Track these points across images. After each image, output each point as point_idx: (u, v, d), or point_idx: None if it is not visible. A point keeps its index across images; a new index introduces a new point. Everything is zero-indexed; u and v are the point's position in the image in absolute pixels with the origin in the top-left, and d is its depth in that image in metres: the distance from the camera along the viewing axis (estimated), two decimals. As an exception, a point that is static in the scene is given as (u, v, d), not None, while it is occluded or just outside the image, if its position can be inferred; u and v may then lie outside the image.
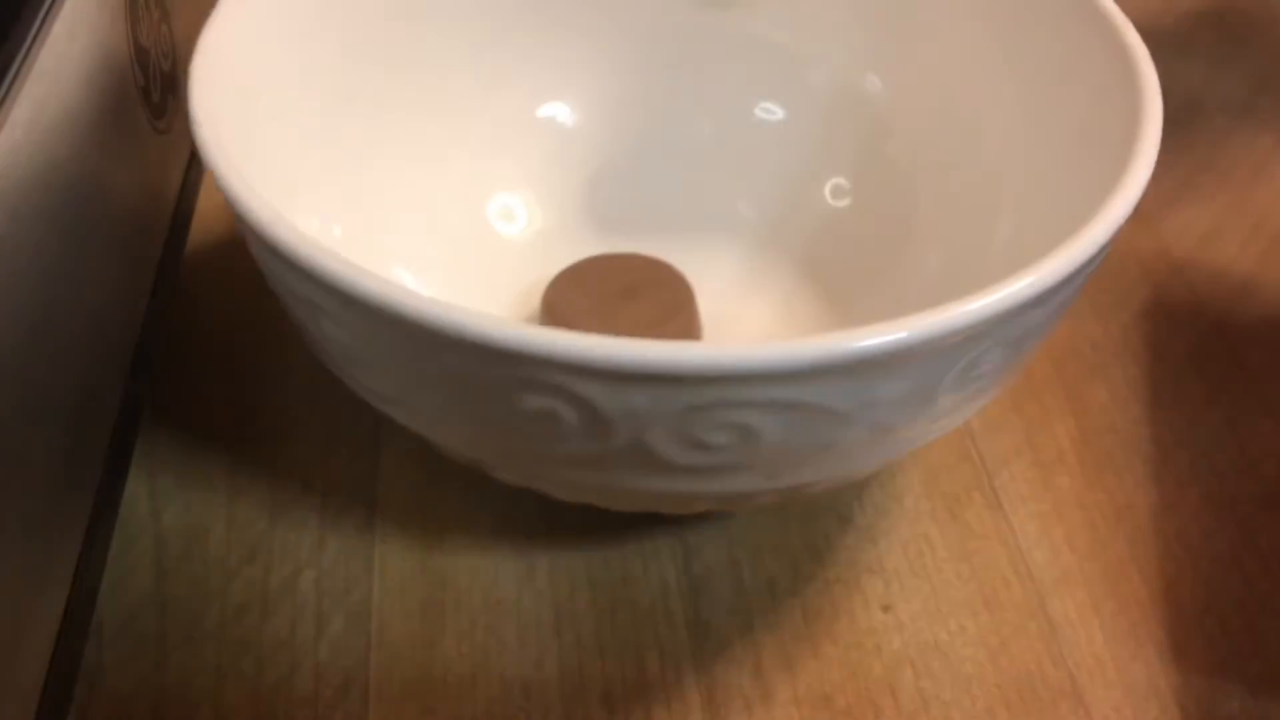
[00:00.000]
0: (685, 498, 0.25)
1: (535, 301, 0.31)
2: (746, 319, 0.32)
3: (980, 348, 0.22)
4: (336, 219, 0.29)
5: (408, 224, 0.31)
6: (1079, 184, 0.25)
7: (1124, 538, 0.29)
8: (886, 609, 0.27)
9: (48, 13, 0.24)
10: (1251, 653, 0.27)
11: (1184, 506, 0.29)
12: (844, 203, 0.33)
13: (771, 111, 0.34)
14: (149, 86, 0.31)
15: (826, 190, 0.33)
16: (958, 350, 0.21)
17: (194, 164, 0.35)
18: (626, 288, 0.31)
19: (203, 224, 0.35)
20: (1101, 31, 0.26)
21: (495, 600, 0.27)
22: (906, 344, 0.20)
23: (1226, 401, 0.32)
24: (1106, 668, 0.26)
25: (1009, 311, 0.21)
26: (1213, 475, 0.30)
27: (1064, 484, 0.30)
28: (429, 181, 0.32)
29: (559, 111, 0.34)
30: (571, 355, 0.20)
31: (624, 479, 0.23)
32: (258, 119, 0.27)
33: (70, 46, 0.25)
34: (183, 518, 0.28)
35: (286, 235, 0.22)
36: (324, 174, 0.29)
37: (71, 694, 0.25)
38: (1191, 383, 0.32)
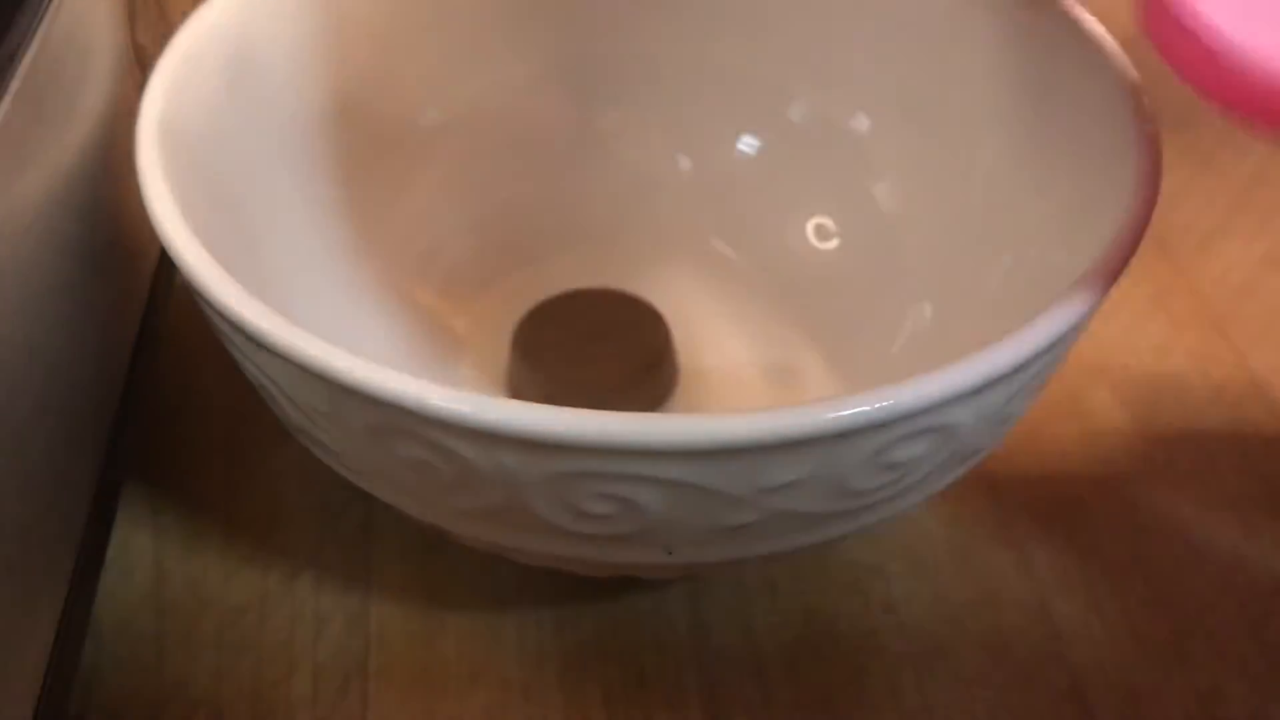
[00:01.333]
0: (596, 565, 0.24)
1: (506, 337, 0.31)
2: (726, 360, 0.31)
3: (884, 438, 0.20)
4: (294, 254, 0.29)
5: (369, 263, 0.31)
6: (1074, 230, 0.24)
7: (1126, 537, 0.29)
8: (888, 610, 0.27)
9: (46, 11, 0.24)
10: (1254, 653, 0.27)
11: (1186, 506, 0.29)
12: (830, 244, 0.32)
13: (752, 146, 0.33)
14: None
15: (810, 230, 0.32)
16: (848, 444, 0.20)
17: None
18: (600, 325, 0.30)
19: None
20: (1104, 80, 0.25)
21: (495, 600, 0.27)
22: (746, 438, 0.20)
23: (1228, 401, 0.32)
24: (1108, 669, 0.26)
25: (885, 419, 0.20)
26: (1215, 474, 0.30)
27: (1066, 483, 0.30)
28: (393, 214, 0.32)
29: (532, 145, 0.33)
30: (433, 409, 0.20)
31: (522, 540, 0.23)
32: (205, 163, 0.26)
33: (69, 45, 0.25)
34: (181, 518, 0.28)
35: (182, 249, 0.22)
36: (274, 210, 0.29)
37: (70, 695, 0.25)
38: (1194, 382, 0.32)
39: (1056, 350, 0.22)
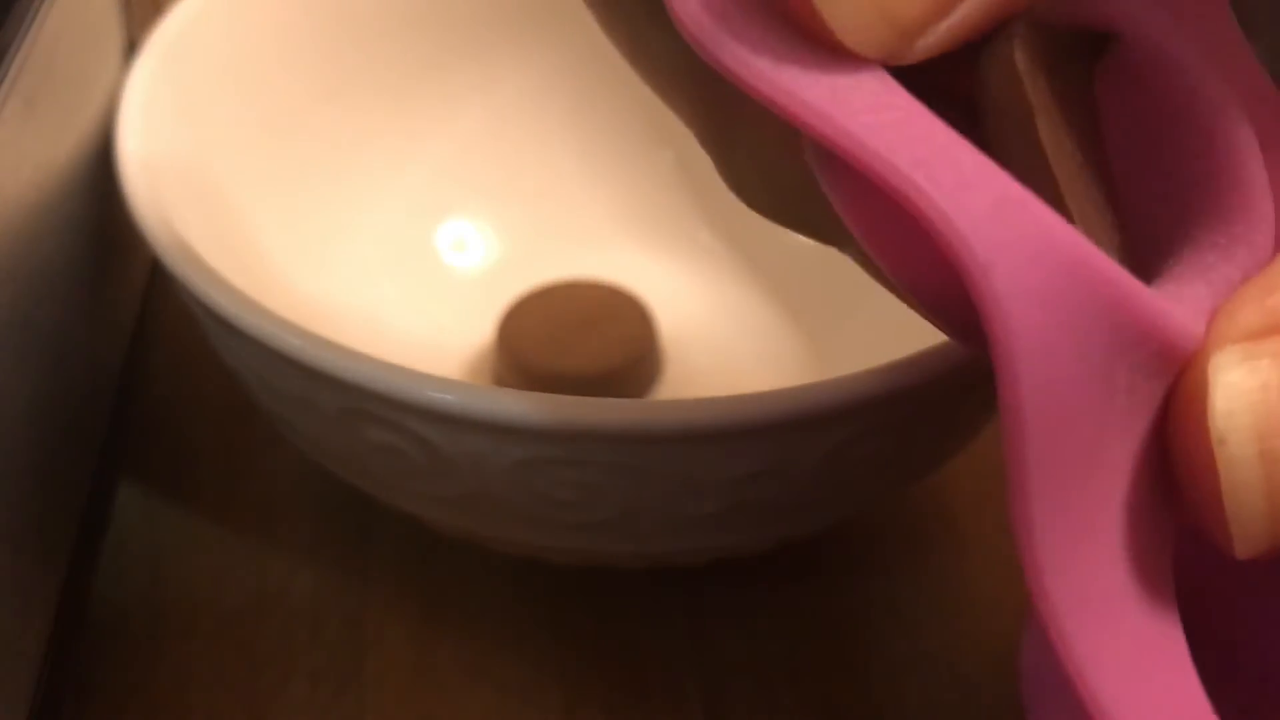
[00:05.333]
0: (571, 553, 0.24)
1: (490, 328, 0.31)
2: (712, 352, 0.31)
3: (839, 434, 0.21)
4: (281, 243, 0.29)
5: (353, 245, 0.31)
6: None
7: (1130, 539, 0.29)
8: (890, 613, 0.27)
9: (40, 7, 0.24)
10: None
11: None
12: None
13: None
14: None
15: None
16: (797, 435, 0.20)
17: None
18: (585, 317, 0.30)
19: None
20: None
21: (494, 601, 0.27)
22: (699, 426, 0.20)
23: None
24: (1113, 671, 0.26)
25: (826, 411, 0.20)
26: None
27: (1069, 485, 0.30)
28: (378, 205, 0.32)
29: (519, 136, 0.33)
30: (398, 392, 0.20)
31: (494, 527, 0.23)
32: (189, 137, 0.26)
33: (63, 42, 0.25)
34: (176, 519, 0.28)
35: (153, 226, 0.22)
36: (257, 196, 0.29)
37: (64, 699, 0.25)
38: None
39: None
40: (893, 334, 0.29)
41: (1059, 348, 0.13)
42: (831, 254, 0.32)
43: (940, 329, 0.15)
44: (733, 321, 0.32)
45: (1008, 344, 0.12)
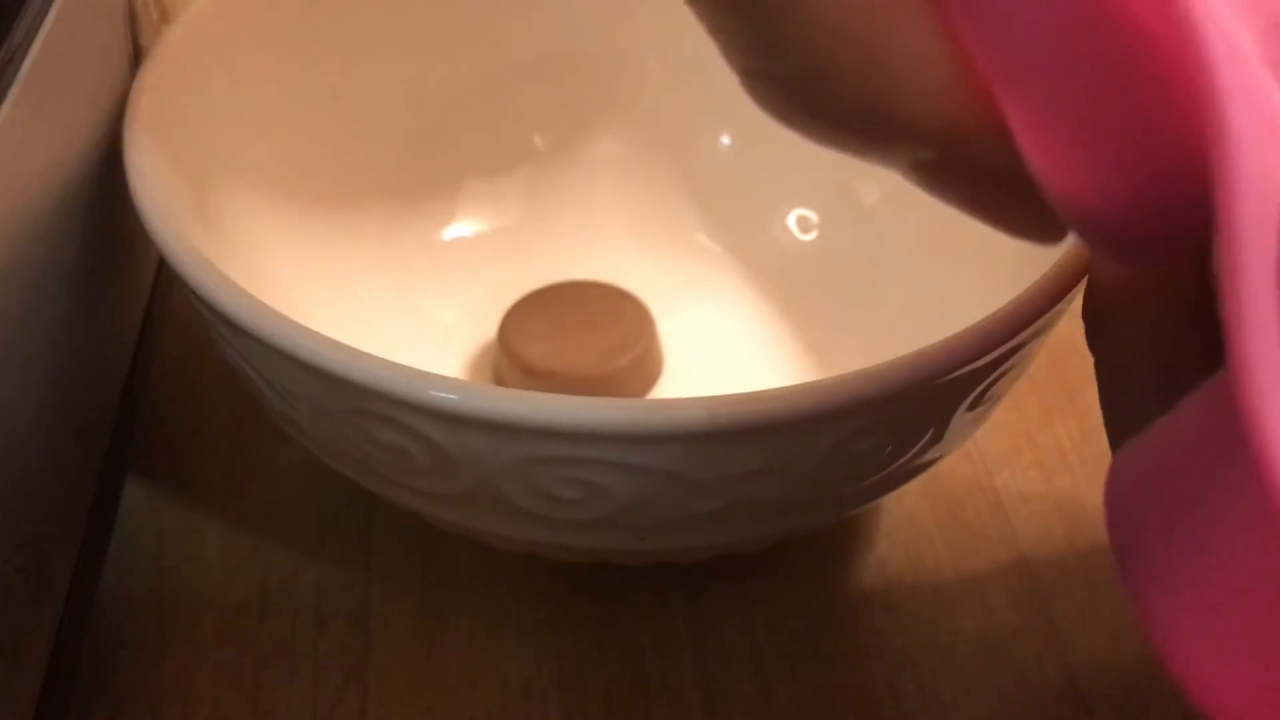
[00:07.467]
0: (571, 550, 0.25)
1: (491, 328, 0.31)
2: (714, 351, 0.31)
3: (839, 434, 0.21)
4: (284, 244, 0.29)
5: (356, 244, 0.31)
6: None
7: (1125, 538, 0.29)
8: (887, 610, 0.27)
9: (47, 13, 0.24)
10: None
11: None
12: (811, 236, 0.32)
13: (734, 141, 0.33)
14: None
15: (792, 222, 0.32)
16: (803, 433, 0.21)
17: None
18: (585, 317, 0.31)
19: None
20: None
21: (495, 600, 0.27)
22: (707, 425, 0.20)
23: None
24: (1108, 669, 0.26)
25: (831, 410, 0.20)
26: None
27: (1065, 484, 0.30)
28: (381, 205, 0.32)
29: (518, 139, 0.33)
30: (401, 391, 0.20)
31: (496, 524, 0.23)
32: (195, 142, 0.27)
33: (68, 47, 0.25)
34: (182, 517, 0.28)
35: (160, 227, 0.23)
36: (261, 199, 0.29)
37: (70, 694, 0.25)
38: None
39: (1022, 349, 0.22)
40: (891, 334, 0.29)
41: (1264, 164, 0.13)
42: (830, 254, 0.32)
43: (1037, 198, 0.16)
44: (733, 321, 0.32)
45: (1238, 159, 0.13)
